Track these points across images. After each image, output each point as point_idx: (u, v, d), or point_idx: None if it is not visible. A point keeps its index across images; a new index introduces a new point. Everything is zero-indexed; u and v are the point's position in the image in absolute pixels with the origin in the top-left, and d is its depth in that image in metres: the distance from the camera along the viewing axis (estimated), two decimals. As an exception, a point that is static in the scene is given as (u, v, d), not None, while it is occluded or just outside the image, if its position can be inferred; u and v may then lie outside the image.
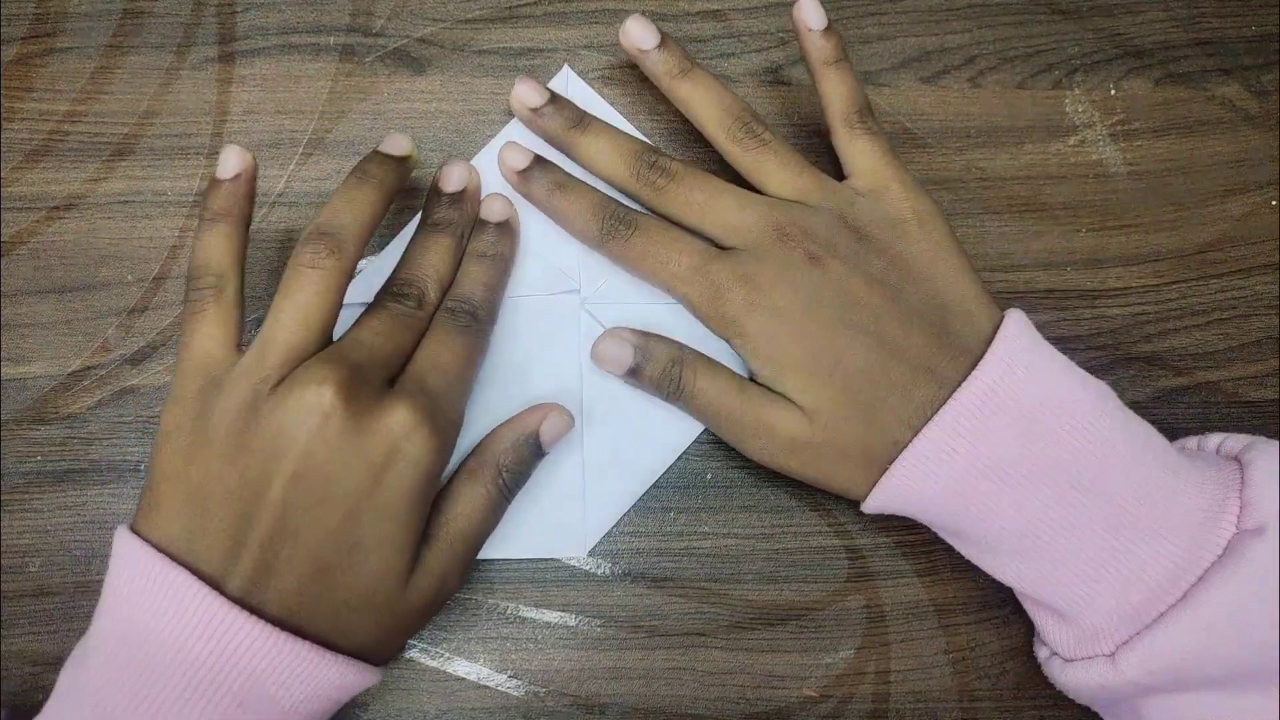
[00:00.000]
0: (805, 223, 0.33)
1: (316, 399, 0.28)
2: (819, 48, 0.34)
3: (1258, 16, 0.41)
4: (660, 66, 0.35)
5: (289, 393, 0.28)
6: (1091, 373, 0.38)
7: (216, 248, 0.31)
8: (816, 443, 0.32)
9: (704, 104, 0.34)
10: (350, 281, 0.31)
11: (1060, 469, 0.30)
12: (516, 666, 0.36)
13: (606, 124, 0.35)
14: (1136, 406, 0.38)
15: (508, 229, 0.35)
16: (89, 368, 0.37)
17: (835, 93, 0.34)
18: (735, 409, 0.33)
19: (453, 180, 0.34)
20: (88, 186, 0.37)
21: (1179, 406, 0.39)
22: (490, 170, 0.36)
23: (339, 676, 0.29)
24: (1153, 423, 0.38)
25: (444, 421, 0.30)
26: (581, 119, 0.35)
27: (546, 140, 0.36)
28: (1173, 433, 0.39)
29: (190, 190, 0.38)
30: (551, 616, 0.37)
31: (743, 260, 0.33)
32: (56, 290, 0.37)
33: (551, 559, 0.37)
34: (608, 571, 0.37)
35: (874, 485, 0.32)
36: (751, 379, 0.34)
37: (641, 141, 0.35)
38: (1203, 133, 0.40)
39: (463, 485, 0.32)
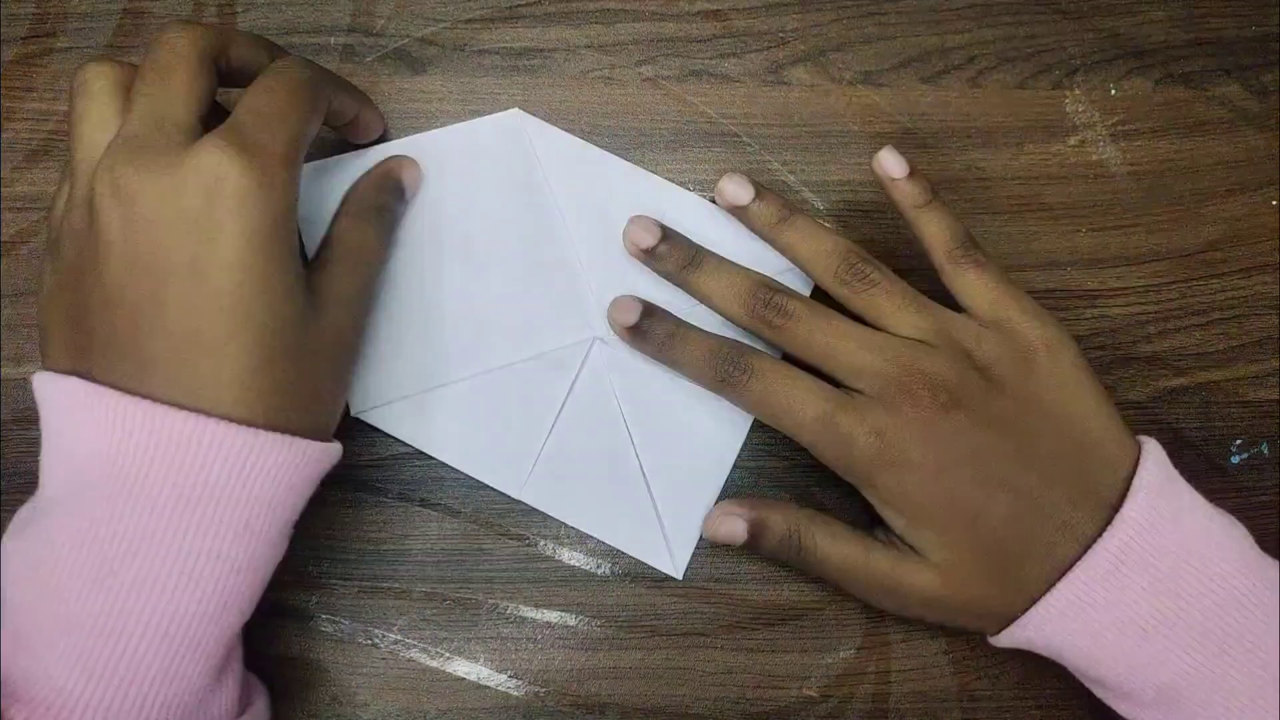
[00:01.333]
0: (931, 368, 0.31)
1: (109, 179, 0.26)
2: (907, 194, 0.34)
3: (1258, 16, 0.41)
4: (759, 219, 0.35)
5: (94, 187, 0.27)
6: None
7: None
8: (954, 599, 0.32)
9: (808, 250, 0.34)
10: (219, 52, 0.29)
11: (1201, 622, 0.29)
12: (517, 666, 0.36)
13: (720, 259, 0.35)
14: (1137, 406, 0.39)
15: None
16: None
17: (933, 233, 0.34)
18: (863, 569, 0.32)
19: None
20: (88, 186, 0.37)
21: (1179, 406, 0.39)
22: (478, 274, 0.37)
23: (311, 456, 0.28)
24: (1152, 423, 0.39)
25: (266, 155, 0.27)
26: (694, 256, 0.35)
27: (664, 278, 0.36)
28: (1174, 432, 0.39)
29: (190, 190, 0.38)
30: (552, 616, 0.37)
31: (871, 411, 0.31)
32: (57, 290, 0.37)
33: (559, 562, 0.37)
34: (608, 571, 0.37)
35: (1005, 629, 0.32)
36: (877, 526, 0.34)
37: (757, 277, 0.34)
38: (1203, 133, 0.40)
39: (346, 224, 0.32)
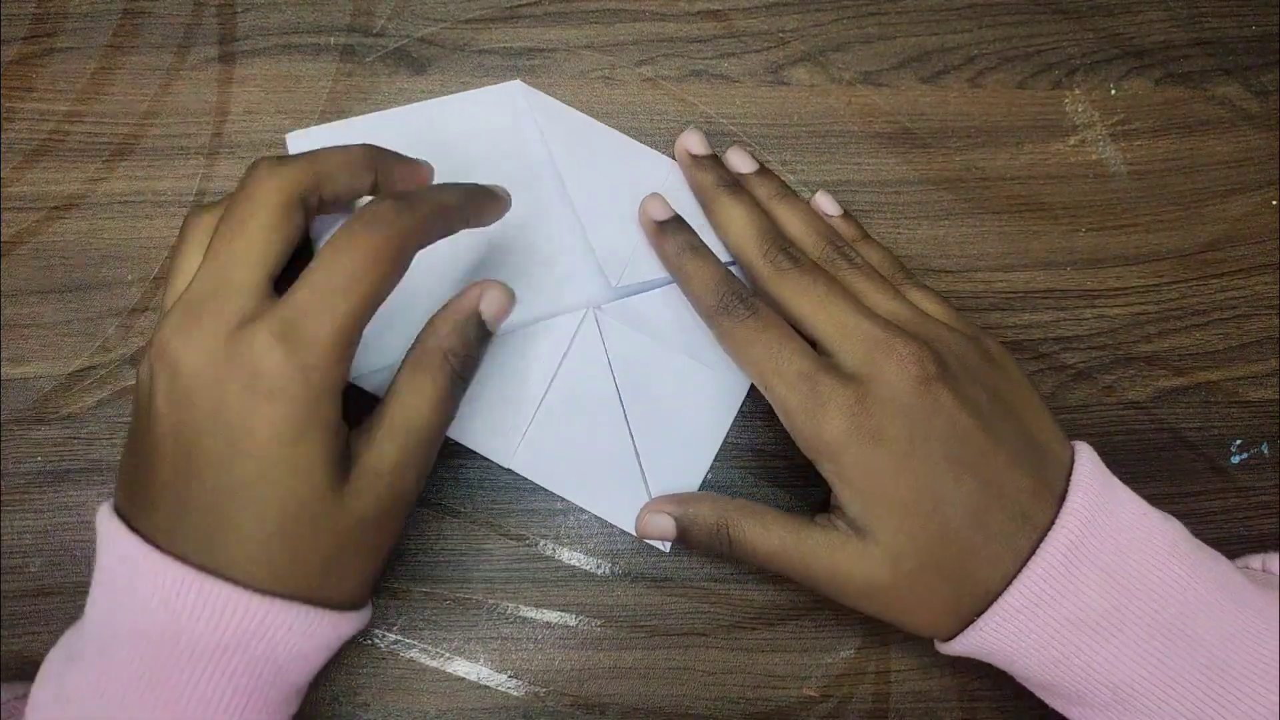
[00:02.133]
0: (917, 340, 0.31)
1: (159, 345, 0.27)
2: (845, 230, 0.36)
3: (1258, 16, 0.41)
4: (759, 190, 0.36)
5: (150, 354, 0.28)
6: (1092, 372, 0.39)
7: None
8: (896, 589, 0.31)
9: (795, 228, 0.35)
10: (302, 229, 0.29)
11: (1149, 615, 0.30)
12: (517, 666, 0.36)
13: (752, 198, 0.36)
14: (1136, 406, 0.39)
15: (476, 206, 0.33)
16: (89, 368, 0.37)
17: (874, 264, 0.35)
18: (795, 556, 0.32)
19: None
20: (88, 187, 0.37)
21: (1179, 406, 0.39)
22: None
23: (324, 627, 0.28)
24: (1152, 423, 0.39)
25: (309, 345, 0.26)
26: (735, 182, 0.36)
27: (696, 189, 0.37)
28: (1174, 432, 0.39)
29: (190, 190, 0.38)
30: (552, 616, 0.37)
31: (853, 378, 0.31)
32: (57, 290, 0.37)
33: (559, 562, 0.37)
34: (608, 571, 0.37)
35: (958, 633, 0.31)
36: (821, 511, 0.33)
37: (777, 226, 0.35)
38: (1203, 132, 0.40)
39: (404, 377, 0.30)
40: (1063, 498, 0.31)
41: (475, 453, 0.36)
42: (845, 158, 0.39)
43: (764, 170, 0.37)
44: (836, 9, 0.40)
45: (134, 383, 0.37)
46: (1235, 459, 0.39)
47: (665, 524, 0.34)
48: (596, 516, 0.37)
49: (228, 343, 0.27)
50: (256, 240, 0.27)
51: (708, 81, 0.39)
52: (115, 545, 0.28)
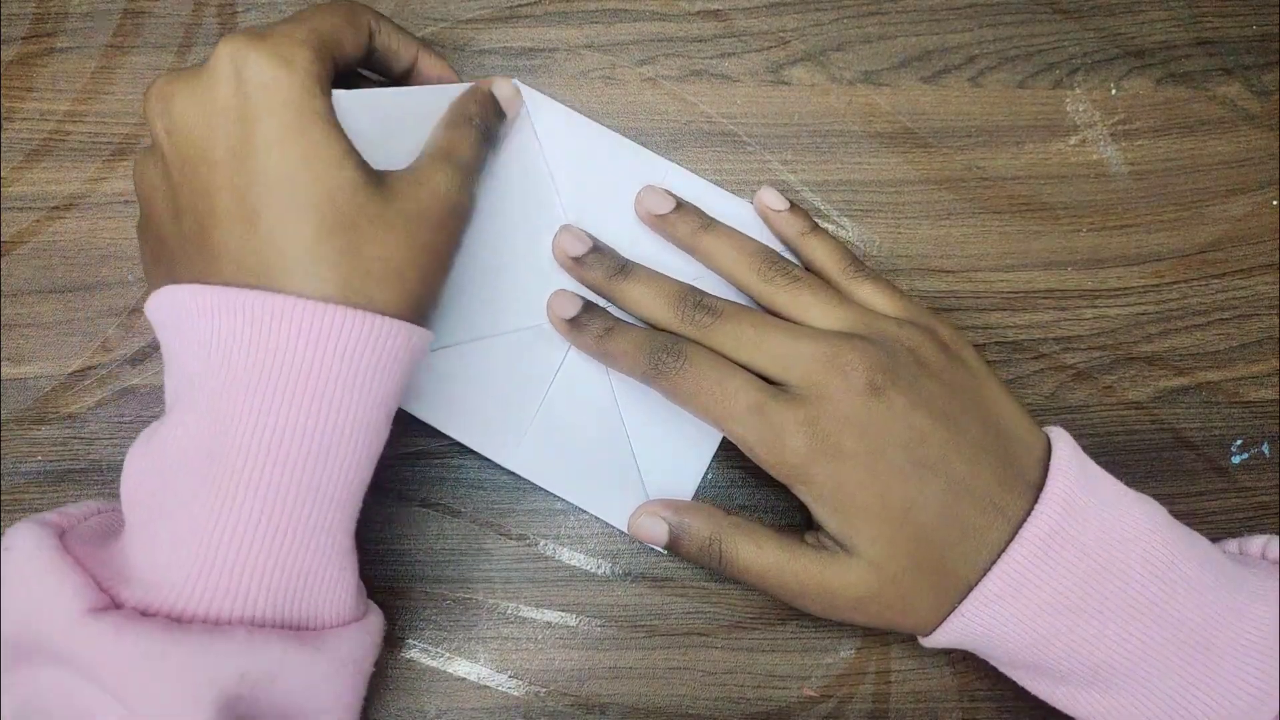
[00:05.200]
0: (861, 351, 0.31)
1: (151, 93, 0.28)
2: (791, 223, 0.36)
3: (1259, 16, 0.41)
4: (680, 228, 0.36)
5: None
6: (1092, 372, 0.39)
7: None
8: (884, 596, 0.31)
9: (731, 253, 0.35)
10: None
11: (1130, 596, 0.30)
12: (517, 666, 0.36)
13: (647, 269, 0.35)
14: (1137, 407, 0.39)
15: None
16: (89, 367, 0.37)
17: (823, 256, 0.35)
18: (788, 576, 0.32)
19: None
20: (88, 186, 0.37)
21: (1179, 406, 0.39)
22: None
23: (393, 335, 0.27)
24: (1153, 423, 0.39)
25: (282, 39, 0.27)
26: (623, 266, 0.35)
27: (590, 288, 0.36)
28: (1174, 432, 0.39)
29: (190, 190, 0.38)
30: (552, 616, 0.37)
31: (803, 400, 0.31)
32: (57, 290, 0.37)
33: (559, 562, 0.37)
34: (608, 571, 0.37)
35: (940, 624, 0.31)
36: (808, 528, 0.33)
37: (685, 283, 0.35)
38: (1204, 132, 0.40)
39: (440, 130, 0.32)
40: (1037, 485, 0.31)
41: (475, 453, 0.36)
42: (845, 157, 0.39)
43: (682, 205, 0.36)
44: (837, 9, 0.40)
45: (135, 383, 0.37)
46: (1236, 459, 0.39)
47: (658, 529, 0.34)
48: (597, 516, 0.37)
49: (206, 64, 0.27)
50: (310, 14, 0.29)
51: (708, 81, 0.39)
52: (161, 307, 0.28)
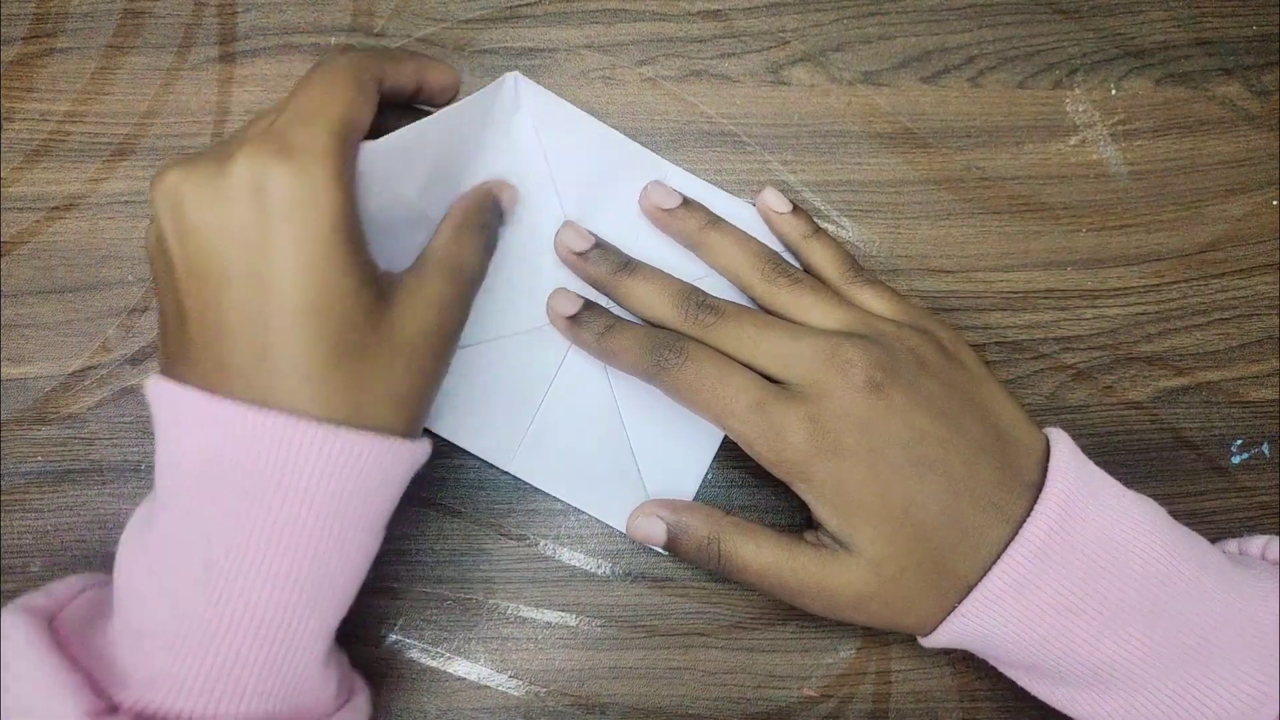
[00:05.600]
0: (861, 350, 0.32)
1: (161, 187, 0.27)
2: (794, 226, 0.36)
3: (1259, 16, 0.41)
4: (685, 224, 0.36)
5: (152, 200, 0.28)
6: (1092, 372, 0.39)
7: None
8: (883, 595, 0.31)
9: (734, 252, 0.35)
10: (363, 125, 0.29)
11: (1130, 597, 0.30)
12: (517, 666, 0.36)
13: (651, 267, 0.35)
14: (1137, 407, 0.39)
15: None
16: (89, 368, 0.37)
17: (823, 260, 0.36)
18: (788, 575, 0.32)
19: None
20: (88, 186, 0.37)
21: (1179, 406, 0.39)
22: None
23: (388, 454, 0.28)
24: (1153, 423, 0.39)
25: (300, 146, 0.26)
26: (627, 263, 0.35)
27: (591, 284, 0.36)
28: (1174, 432, 0.39)
29: (191, 190, 0.37)
30: (552, 616, 0.37)
31: (804, 398, 0.31)
32: (57, 290, 0.37)
33: (559, 562, 0.37)
34: (608, 571, 0.37)
35: (939, 624, 0.31)
36: (806, 527, 0.33)
37: (687, 283, 0.35)
38: (1203, 133, 0.40)
39: (447, 232, 0.32)
40: (1036, 485, 0.31)
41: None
42: (845, 158, 0.39)
43: (687, 202, 0.36)
44: (837, 9, 0.40)
45: (135, 383, 0.37)
46: (1236, 459, 0.39)
47: (656, 528, 0.34)
48: (597, 519, 0.37)
49: (224, 169, 0.26)
50: (321, 100, 0.28)
51: (708, 81, 0.39)
52: (166, 402, 0.27)
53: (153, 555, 0.28)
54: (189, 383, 0.27)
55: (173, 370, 0.28)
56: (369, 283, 0.28)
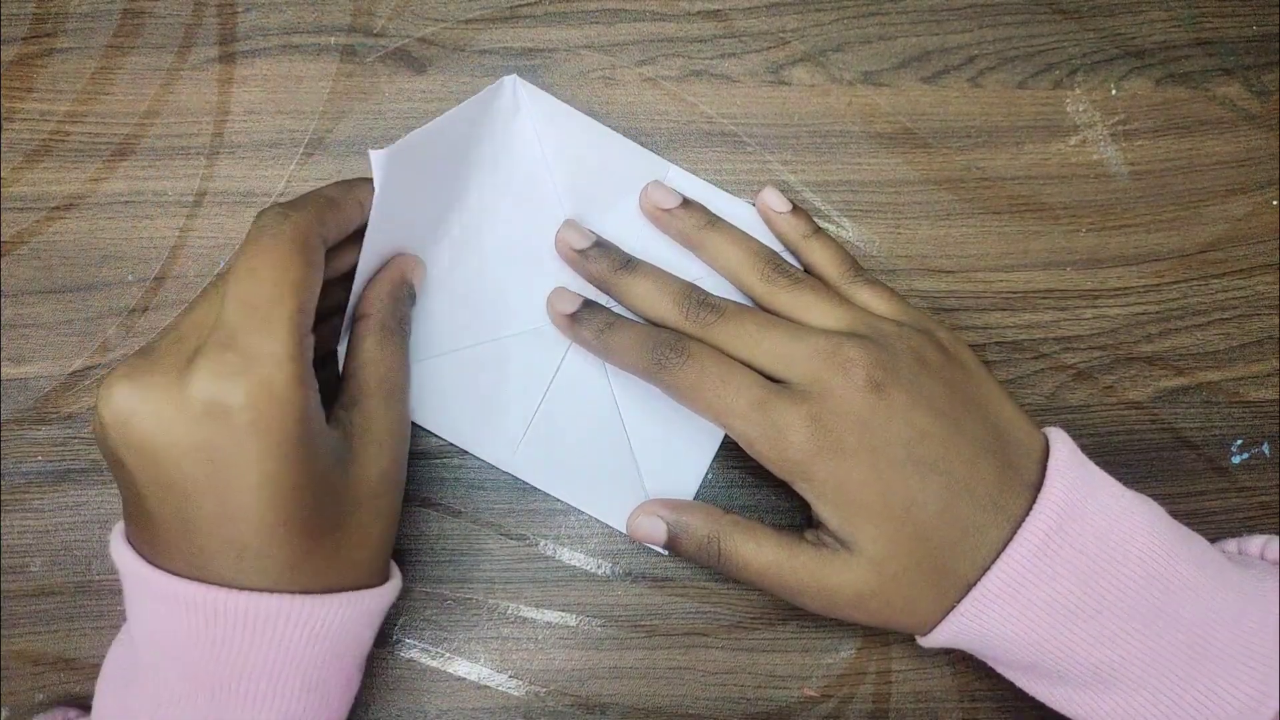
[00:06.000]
0: (861, 350, 0.32)
1: (106, 398, 0.26)
2: (793, 226, 0.36)
3: (1259, 16, 0.41)
4: (684, 224, 0.36)
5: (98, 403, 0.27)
6: (1093, 372, 0.39)
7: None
8: (884, 594, 0.31)
9: (734, 252, 0.35)
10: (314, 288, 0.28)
11: (1128, 597, 0.30)
12: (517, 666, 0.36)
13: (652, 265, 0.35)
14: (1137, 407, 0.39)
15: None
16: (90, 368, 0.37)
17: (823, 259, 0.36)
18: (787, 573, 0.32)
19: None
20: (88, 186, 0.37)
21: (1180, 406, 0.39)
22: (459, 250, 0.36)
23: (358, 610, 0.29)
24: (1153, 423, 0.39)
25: (252, 363, 0.26)
26: (628, 261, 0.35)
27: (592, 282, 0.36)
28: (1174, 432, 0.39)
29: (191, 190, 0.38)
30: (552, 616, 0.37)
31: (805, 397, 0.31)
32: (57, 290, 0.37)
33: (559, 562, 0.37)
34: (608, 571, 0.37)
35: (939, 623, 0.31)
36: (807, 526, 0.33)
37: (688, 281, 0.35)
38: (1204, 133, 0.40)
39: (371, 345, 0.31)
40: (1036, 485, 0.31)
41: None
42: (846, 158, 0.39)
43: (687, 202, 0.36)
44: (837, 9, 0.40)
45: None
46: (1236, 459, 0.39)
47: (656, 528, 0.34)
48: (598, 519, 0.37)
49: (182, 388, 0.26)
50: (272, 287, 0.27)
51: (708, 81, 0.39)
52: (138, 581, 0.28)
53: (132, 715, 0.28)
54: (159, 562, 0.28)
55: (138, 539, 0.28)
56: (330, 463, 0.28)
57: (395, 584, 0.31)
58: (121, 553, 0.28)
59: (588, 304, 0.35)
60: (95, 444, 0.29)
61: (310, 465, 0.27)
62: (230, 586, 0.27)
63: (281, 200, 0.38)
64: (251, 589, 0.27)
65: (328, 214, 0.29)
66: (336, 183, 0.31)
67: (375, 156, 0.28)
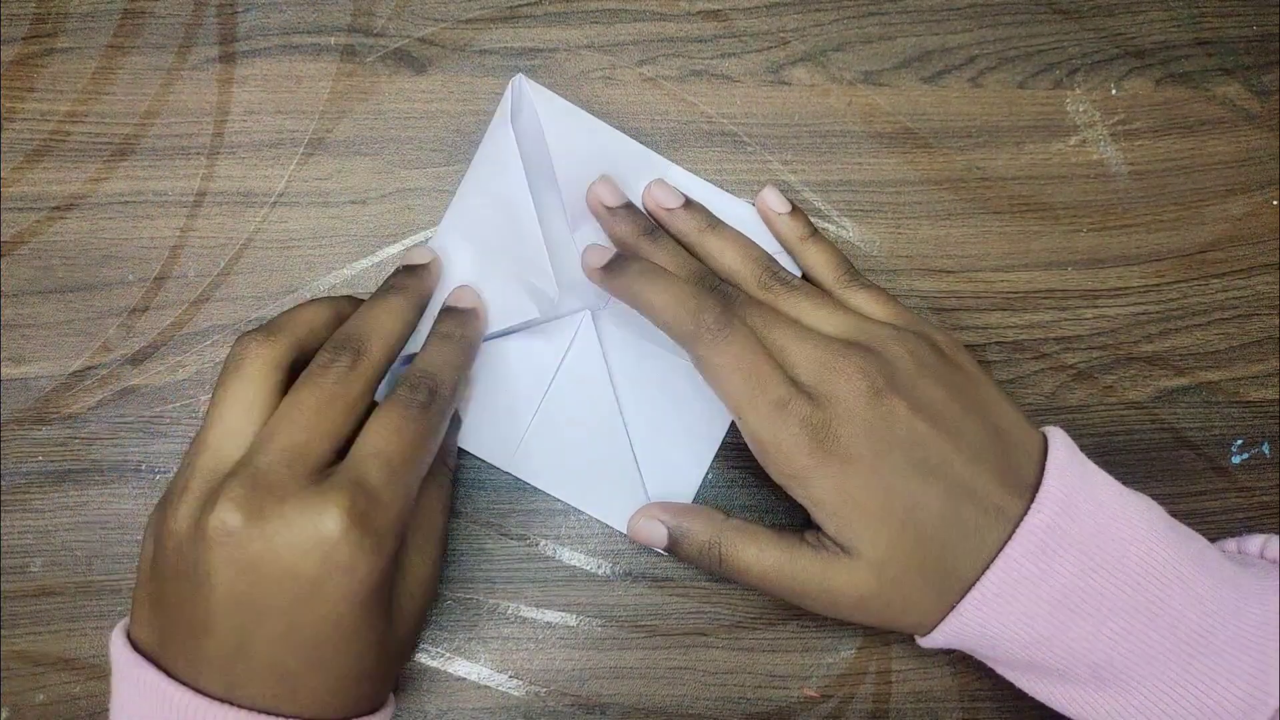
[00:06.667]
0: (860, 354, 0.32)
1: (222, 516, 0.27)
2: (792, 228, 0.36)
3: (1259, 16, 0.41)
4: (686, 224, 0.36)
5: (206, 514, 0.27)
6: (1093, 372, 0.39)
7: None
8: (884, 596, 0.31)
9: (733, 256, 0.35)
10: (373, 390, 0.30)
11: (1127, 596, 0.30)
12: (517, 666, 0.36)
13: (735, 230, 0.36)
14: (1137, 407, 0.39)
15: (473, 315, 0.34)
16: (90, 368, 0.37)
17: (820, 262, 0.36)
18: (788, 577, 0.32)
19: (415, 257, 0.35)
20: (89, 186, 0.37)
21: (1180, 406, 0.39)
22: (454, 249, 0.36)
23: None
24: (1153, 423, 0.39)
25: (383, 522, 0.28)
26: (713, 222, 0.36)
27: (680, 240, 0.36)
28: (1174, 432, 0.39)
29: (191, 190, 0.38)
30: (552, 616, 0.37)
31: (816, 403, 0.31)
32: (58, 290, 0.37)
33: (560, 562, 0.37)
34: (609, 571, 0.37)
35: (939, 623, 0.31)
36: (806, 526, 0.33)
37: (767, 252, 0.36)
38: (1204, 132, 0.40)
39: (430, 489, 0.33)
40: (1035, 485, 0.31)
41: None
42: (846, 158, 0.39)
43: (689, 203, 0.37)
44: (837, 9, 0.40)
45: (135, 383, 0.37)
46: (1236, 459, 0.39)
47: (657, 531, 0.34)
48: (597, 519, 0.37)
49: (301, 519, 0.27)
50: (337, 417, 0.29)
51: (708, 81, 0.39)
52: (149, 695, 0.28)
53: None
54: (178, 676, 0.28)
55: (152, 644, 0.29)
56: (386, 625, 0.29)
57: (389, 711, 0.32)
58: (128, 654, 0.28)
59: (621, 255, 0.35)
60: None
61: (371, 628, 0.29)
62: (261, 711, 0.28)
63: (281, 200, 0.38)
64: (282, 715, 0.28)
65: (464, 358, 0.33)
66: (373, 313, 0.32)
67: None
